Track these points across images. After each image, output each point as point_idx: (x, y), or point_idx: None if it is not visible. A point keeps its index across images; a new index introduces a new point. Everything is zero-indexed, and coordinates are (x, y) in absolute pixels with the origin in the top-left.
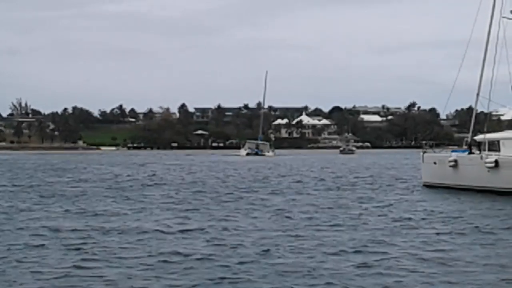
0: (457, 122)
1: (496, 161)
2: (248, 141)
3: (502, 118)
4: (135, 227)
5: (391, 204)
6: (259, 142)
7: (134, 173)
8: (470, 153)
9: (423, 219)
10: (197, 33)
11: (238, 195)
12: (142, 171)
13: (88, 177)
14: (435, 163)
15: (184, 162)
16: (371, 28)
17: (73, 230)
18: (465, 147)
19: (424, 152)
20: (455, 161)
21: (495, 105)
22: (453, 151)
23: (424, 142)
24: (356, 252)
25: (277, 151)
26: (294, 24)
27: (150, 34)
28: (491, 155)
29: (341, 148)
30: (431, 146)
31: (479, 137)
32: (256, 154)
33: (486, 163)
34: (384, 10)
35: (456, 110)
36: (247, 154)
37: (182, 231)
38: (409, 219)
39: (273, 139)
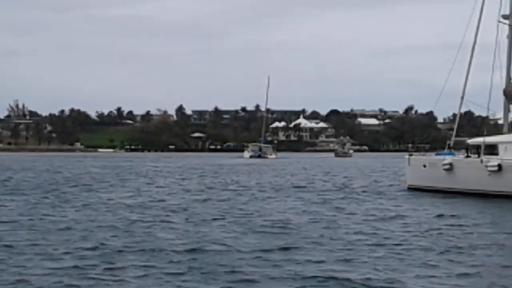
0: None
1: (499, 165)
2: (251, 144)
3: (500, 122)
4: None
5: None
6: (262, 145)
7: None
8: (467, 156)
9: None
10: (197, 36)
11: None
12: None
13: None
14: (424, 166)
15: (210, 166)
16: (369, 31)
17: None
18: (455, 150)
19: (411, 155)
20: (450, 164)
21: (485, 109)
22: (437, 154)
23: (410, 145)
24: None
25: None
26: (292, 28)
27: (149, 37)
28: (492, 158)
29: (336, 151)
30: (417, 149)
31: (475, 140)
32: (259, 156)
33: (487, 166)
34: (383, 14)
35: (454, 114)
36: (251, 156)
37: None
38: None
39: (275, 142)
